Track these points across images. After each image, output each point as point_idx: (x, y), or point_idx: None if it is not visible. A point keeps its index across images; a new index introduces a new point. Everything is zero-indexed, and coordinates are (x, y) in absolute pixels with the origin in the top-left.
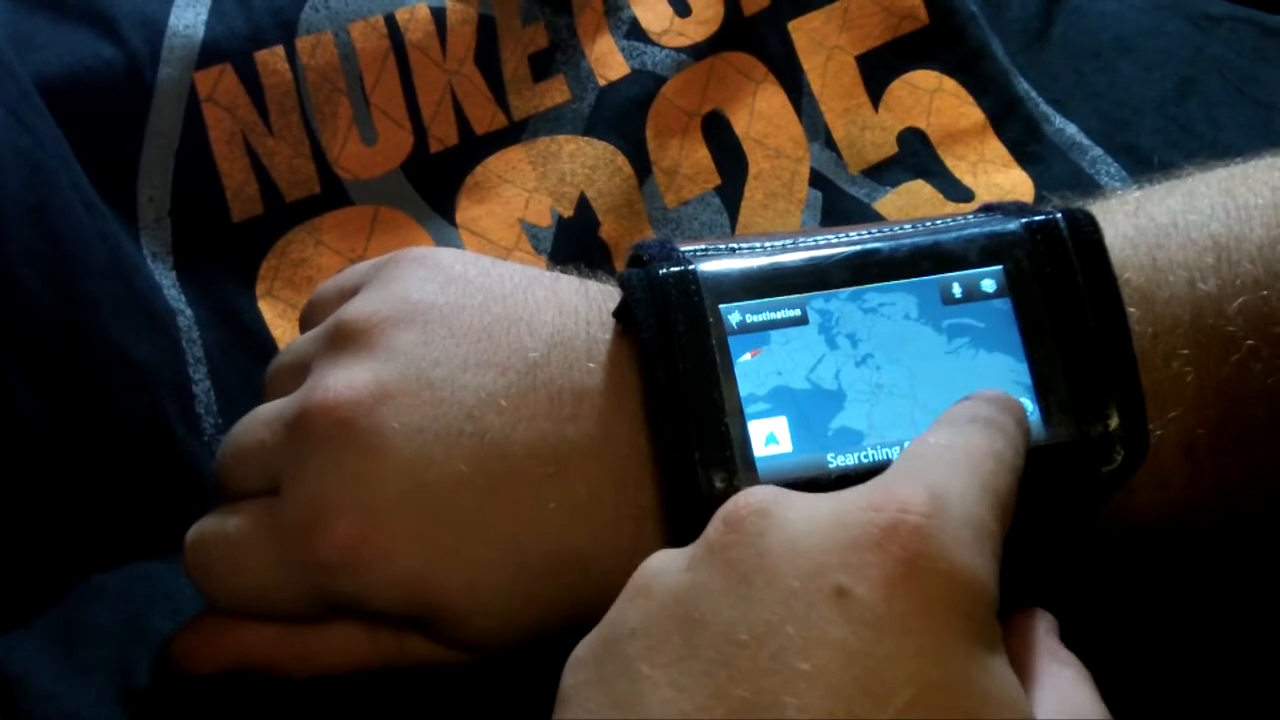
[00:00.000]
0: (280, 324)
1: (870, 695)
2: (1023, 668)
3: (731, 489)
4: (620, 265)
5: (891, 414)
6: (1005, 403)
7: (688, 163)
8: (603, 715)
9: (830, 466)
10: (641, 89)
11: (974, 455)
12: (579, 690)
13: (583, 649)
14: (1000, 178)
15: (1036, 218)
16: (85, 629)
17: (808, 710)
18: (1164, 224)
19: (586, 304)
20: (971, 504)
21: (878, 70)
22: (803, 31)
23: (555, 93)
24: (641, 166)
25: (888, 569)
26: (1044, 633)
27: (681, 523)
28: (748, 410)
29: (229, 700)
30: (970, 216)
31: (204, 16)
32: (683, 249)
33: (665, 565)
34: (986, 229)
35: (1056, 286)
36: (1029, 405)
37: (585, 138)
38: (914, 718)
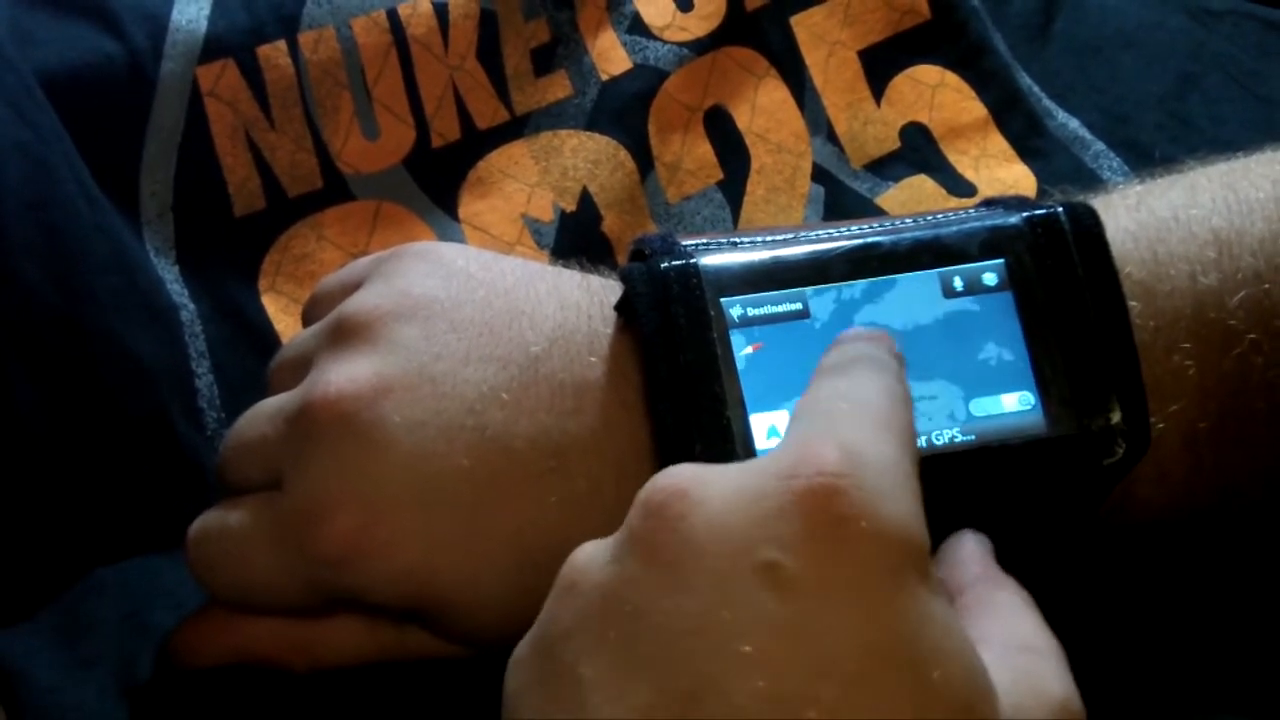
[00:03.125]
0: (283, 319)
1: (815, 670)
2: (961, 598)
3: None
4: (622, 260)
5: None
6: (873, 335)
7: (690, 158)
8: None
9: None
10: (644, 84)
11: (868, 397)
12: (522, 696)
13: (521, 650)
14: (1002, 172)
15: (1038, 211)
16: (87, 623)
17: (755, 694)
18: (1165, 218)
19: (588, 298)
20: (882, 448)
21: (880, 65)
22: (804, 26)
23: (557, 88)
24: (644, 161)
25: (813, 536)
26: (978, 557)
27: None
28: (749, 403)
29: (230, 694)
30: (972, 210)
31: (206, 11)
32: (684, 243)
33: (591, 558)
34: (988, 223)
35: (1058, 280)
36: (1030, 398)
37: (587, 133)
38: (863, 685)
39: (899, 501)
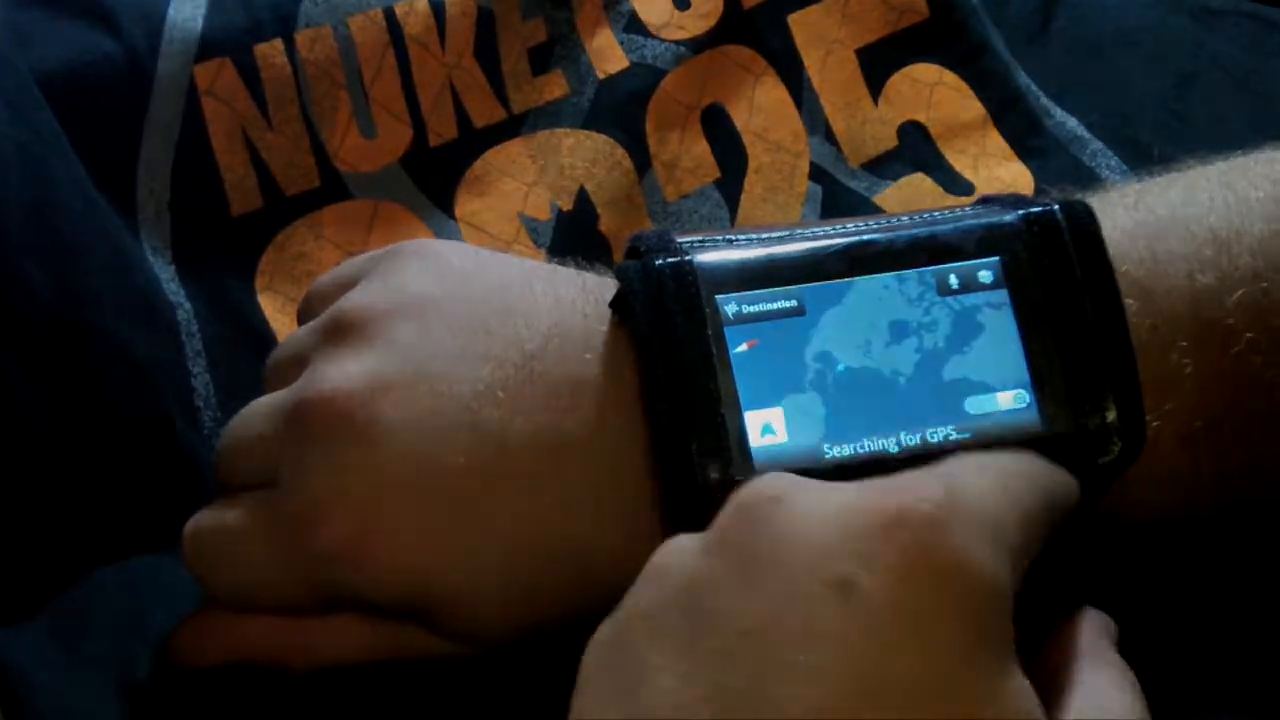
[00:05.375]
0: (280, 318)
1: (866, 692)
2: (1063, 672)
3: (727, 480)
4: (620, 258)
5: (887, 405)
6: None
7: (687, 156)
8: (609, 704)
9: (826, 456)
10: (641, 82)
11: (1004, 471)
12: (592, 675)
13: (603, 630)
14: (1001, 171)
15: (1034, 209)
16: (86, 623)
17: (803, 704)
18: (1163, 216)
19: (583, 296)
20: (990, 506)
21: (878, 64)
22: (802, 25)
23: (554, 86)
24: (641, 160)
25: (894, 559)
26: (1092, 635)
27: (678, 514)
28: (744, 401)
29: (229, 693)
30: (968, 209)
31: (203, 10)
32: (680, 240)
33: (682, 548)
34: (984, 220)
35: (1054, 278)
36: (1026, 396)
37: (585, 131)
38: (910, 717)
39: (990, 553)
